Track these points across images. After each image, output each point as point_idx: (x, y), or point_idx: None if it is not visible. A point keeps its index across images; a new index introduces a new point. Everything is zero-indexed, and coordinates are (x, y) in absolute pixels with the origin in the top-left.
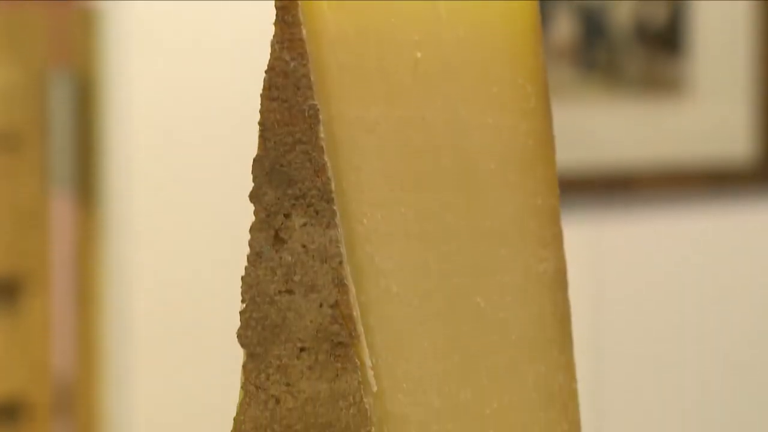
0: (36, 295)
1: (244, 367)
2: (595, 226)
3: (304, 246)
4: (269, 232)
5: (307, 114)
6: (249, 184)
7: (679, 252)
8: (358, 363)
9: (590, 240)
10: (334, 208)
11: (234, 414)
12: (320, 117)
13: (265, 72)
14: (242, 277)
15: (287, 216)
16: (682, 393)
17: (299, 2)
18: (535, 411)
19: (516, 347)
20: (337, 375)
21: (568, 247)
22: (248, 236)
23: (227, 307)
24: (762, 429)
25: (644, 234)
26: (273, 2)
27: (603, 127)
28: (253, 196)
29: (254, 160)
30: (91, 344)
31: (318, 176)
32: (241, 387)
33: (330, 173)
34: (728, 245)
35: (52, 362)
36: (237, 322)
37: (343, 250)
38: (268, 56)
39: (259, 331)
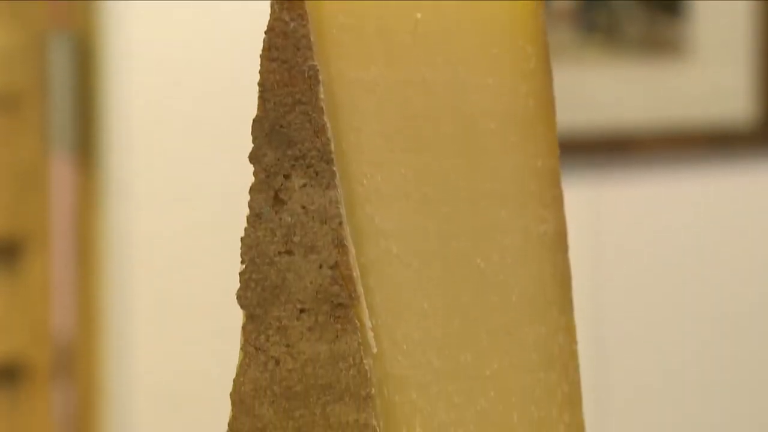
0: (36, 256)
1: (243, 328)
2: (594, 188)
3: (303, 207)
4: (269, 193)
5: (306, 75)
6: (249, 145)
7: (679, 213)
8: (358, 324)
9: (590, 202)
10: (334, 169)
11: (233, 375)
12: (320, 78)
13: (265, 32)
14: (242, 238)
15: (287, 177)
16: (682, 353)
17: None
18: (535, 372)
19: (516, 309)
20: (337, 336)
21: (568, 209)
22: (248, 197)
23: (227, 268)
24: (761, 385)
25: (644, 196)
26: None
27: (603, 89)
28: (253, 157)
29: (254, 121)
30: (91, 305)
31: (318, 137)
32: (241, 348)
33: (330, 134)
34: (728, 206)
35: (52, 323)
36: (237, 284)
37: (342, 211)
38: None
39: (258, 292)
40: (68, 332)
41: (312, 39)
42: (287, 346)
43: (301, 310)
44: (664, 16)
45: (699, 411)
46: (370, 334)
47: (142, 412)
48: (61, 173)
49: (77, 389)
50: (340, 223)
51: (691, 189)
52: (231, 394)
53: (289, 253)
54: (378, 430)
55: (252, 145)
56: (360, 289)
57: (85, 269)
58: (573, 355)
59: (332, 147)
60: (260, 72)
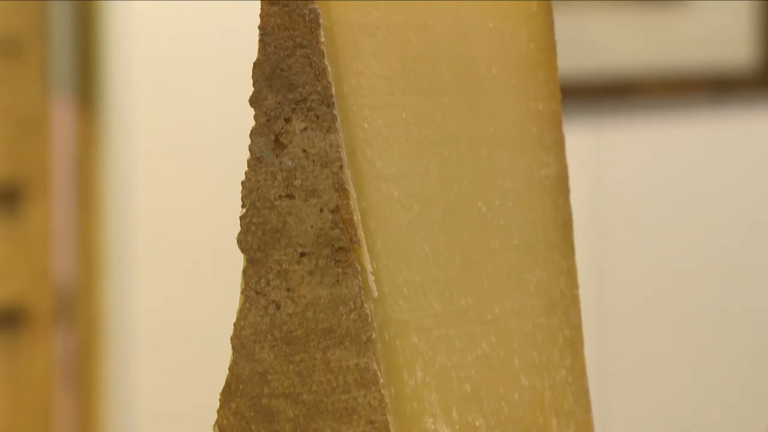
0: (36, 201)
1: (244, 272)
2: (595, 133)
3: (304, 150)
4: (269, 137)
5: (307, 18)
6: (250, 89)
7: (679, 158)
8: (359, 268)
9: (591, 146)
10: (335, 112)
11: (234, 320)
12: (321, 21)
13: None
14: (242, 182)
15: (287, 120)
16: (683, 295)
17: None
18: (536, 317)
19: (517, 253)
20: (338, 280)
21: (569, 153)
22: (249, 141)
23: (228, 212)
24: (762, 332)
25: (645, 140)
26: None
27: (604, 33)
28: (254, 101)
29: (254, 64)
30: (91, 250)
31: (318, 80)
32: (241, 292)
33: (330, 77)
34: (728, 150)
35: (53, 268)
36: (237, 228)
37: (343, 154)
38: None
39: (259, 236)
40: (69, 277)
41: None
42: (288, 290)
43: (302, 254)
44: None
45: (700, 351)
46: (371, 278)
47: (142, 356)
48: (61, 118)
49: (78, 333)
50: (341, 167)
51: (691, 133)
52: (231, 339)
53: (290, 196)
54: (379, 374)
55: (252, 89)
56: (361, 233)
57: (85, 214)
58: (574, 299)
59: (333, 90)
60: (261, 15)
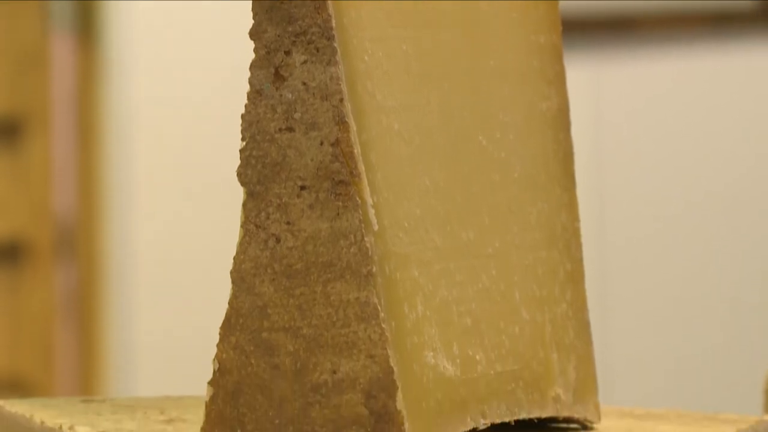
0: (36, 135)
1: (244, 205)
2: (596, 67)
3: (304, 83)
4: (269, 70)
5: None
6: (250, 21)
7: (680, 92)
8: (359, 201)
9: (592, 80)
10: (335, 45)
11: (234, 253)
12: None
13: None
14: (242, 115)
15: (287, 53)
16: (683, 228)
17: None
18: (537, 250)
19: (518, 186)
20: (338, 213)
21: (570, 87)
22: (248, 74)
23: (228, 145)
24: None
25: (646, 75)
26: None
27: None
28: (253, 34)
29: None
30: (92, 184)
31: (318, 13)
32: (241, 226)
33: (330, 10)
34: (728, 85)
35: (53, 203)
36: (237, 161)
37: (344, 87)
38: None
39: (259, 169)
40: (69, 211)
41: None
42: (288, 223)
43: (302, 188)
44: None
45: (702, 284)
46: (371, 212)
47: (142, 290)
48: (61, 53)
49: (79, 267)
50: (341, 100)
51: (691, 67)
52: (231, 272)
53: (290, 130)
54: (379, 307)
55: (252, 21)
56: (361, 166)
57: (85, 148)
58: (575, 232)
59: (333, 23)
60: None
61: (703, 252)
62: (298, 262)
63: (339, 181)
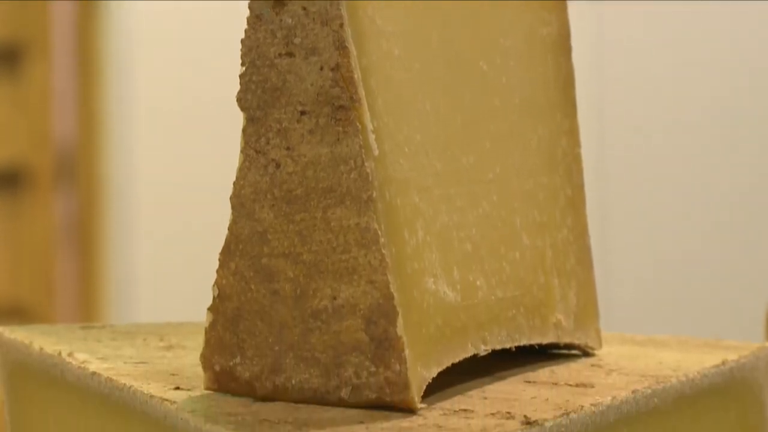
0: (36, 61)
1: (243, 131)
2: None
3: (304, 8)
4: None
5: None
6: None
7: (684, 17)
8: (359, 126)
9: (592, 5)
10: None
11: (233, 179)
12: None
13: None
14: (242, 40)
15: None
16: (686, 154)
17: None
18: (538, 176)
19: (519, 111)
20: (338, 139)
21: (570, 12)
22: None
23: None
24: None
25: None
26: None
27: None
28: None
29: None
30: (92, 111)
31: None
32: (241, 151)
33: None
34: (732, 7)
35: (53, 130)
36: (237, 86)
37: (344, 12)
38: None
39: (258, 94)
40: (69, 138)
41: None
42: (288, 148)
43: (302, 113)
44: None
45: (703, 211)
46: (372, 137)
47: (142, 215)
48: None
49: (79, 194)
50: (341, 25)
51: None
52: (231, 198)
53: (290, 55)
54: (379, 233)
55: None
56: (361, 92)
57: (85, 75)
58: (576, 158)
59: None
60: None
61: (705, 179)
62: (298, 187)
63: (339, 106)
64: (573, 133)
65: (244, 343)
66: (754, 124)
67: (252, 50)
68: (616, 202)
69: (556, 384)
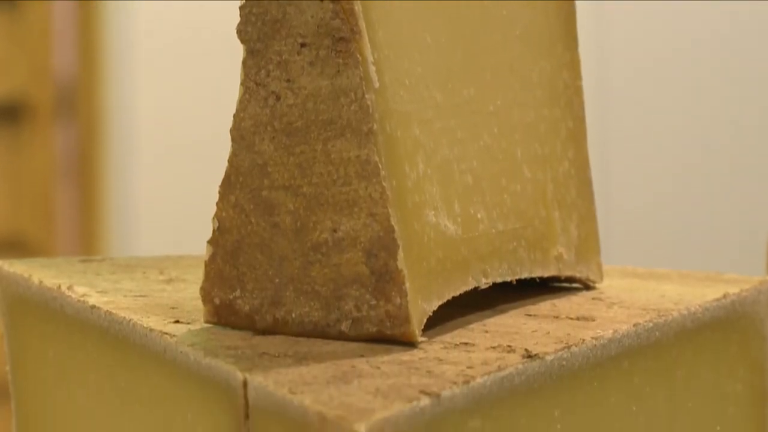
0: None
1: (243, 63)
2: None
3: None
4: None
5: None
6: None
7: None
8: (360, 59)
9: None
10: None
11: (233, 111)
12: None
13: None
14: None
15: None
16: (686, 85)
17: None
18: (539, 108)
19: (520, 44)
20: (339, 71)
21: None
22: None
23: (228, 4)
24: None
25: None
26: None
27: None
28: None
29: None
30: (92, 45)
31: None
32: (241, 83)
33: None
34: None
35: (53, 63)
36: (237, 18)
37: None
38: None
39: (258, 26)
40: (69, 72)
41: None
42: (288, 81)
43: (302, 45)
44: None
45: (704, 143)
46: (372, 69)
47: (142, 148)
48: None
49: (79, 128)
50: None
51: None
52: (231, 130)
53: None
54: (380, 165)
55: None
56: (362, 23)
57: (85, 9)
58: (577, 90)
59: None
60: None
61: (706, 112)
62: (298, 119)
63: (339, 38)
64: (574, 65)
65: (244, 276)
66: (758, 61)
67: None
68: (616, 134)
69: (557, 317)
